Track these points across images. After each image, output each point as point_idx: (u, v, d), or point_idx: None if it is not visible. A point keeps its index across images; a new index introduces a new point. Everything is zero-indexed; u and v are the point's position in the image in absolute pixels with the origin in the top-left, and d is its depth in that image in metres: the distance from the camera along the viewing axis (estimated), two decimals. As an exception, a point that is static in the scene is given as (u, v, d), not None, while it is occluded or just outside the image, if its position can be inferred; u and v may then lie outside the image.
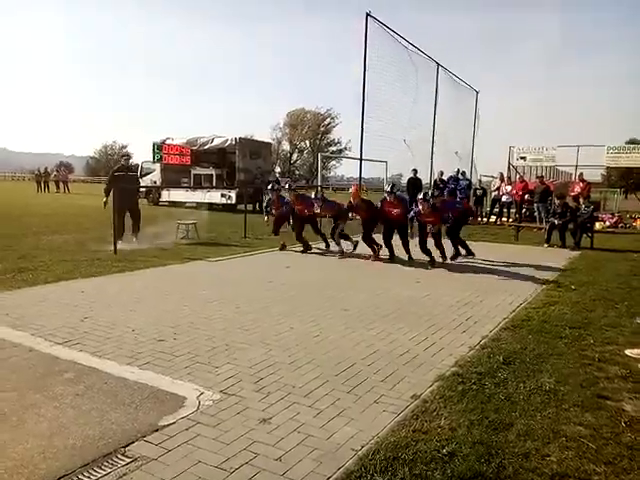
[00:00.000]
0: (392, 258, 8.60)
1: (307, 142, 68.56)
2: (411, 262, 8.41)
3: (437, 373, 3.61)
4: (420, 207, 8.13)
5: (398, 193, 9.02)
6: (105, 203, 9.41)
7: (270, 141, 34.67)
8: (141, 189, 17.00)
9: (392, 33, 14.11)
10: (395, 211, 8.43)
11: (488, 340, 4.39)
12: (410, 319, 5.01)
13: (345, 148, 65.33)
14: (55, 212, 16.39)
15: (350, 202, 9.11)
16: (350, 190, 10.11)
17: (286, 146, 68.46)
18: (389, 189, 8.61)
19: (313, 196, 9.71)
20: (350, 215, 9.50)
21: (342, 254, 9.17)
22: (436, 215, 8.22)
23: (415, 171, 16.95)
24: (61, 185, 33.68)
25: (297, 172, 66.31)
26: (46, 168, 36.52)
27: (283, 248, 9.68)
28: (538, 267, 8.13)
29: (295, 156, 70.12)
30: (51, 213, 15.87)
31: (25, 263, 7.17)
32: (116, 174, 9.98)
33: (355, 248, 9.43)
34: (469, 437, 2.71)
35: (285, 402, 3.12)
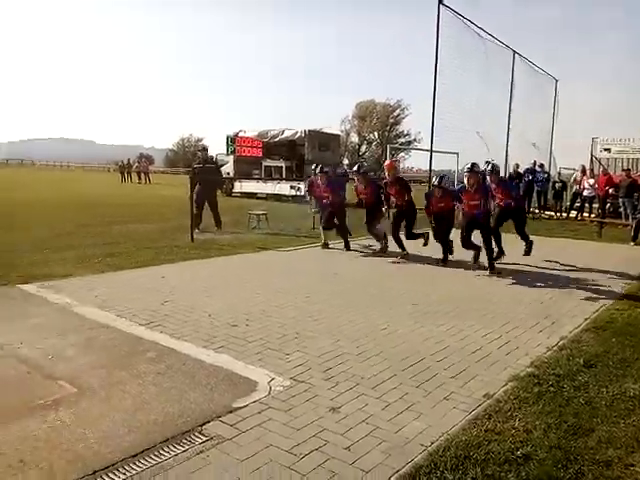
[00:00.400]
0: (449, 254, 7.66)
1: (376, 134, 67.97)
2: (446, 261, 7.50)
3: (511, 373, 3.49)
4: (466, 180, 6.74)
5: (448, 186, 7.78)
6: (192, 196, 10.00)
7: (339, 133, 34.67)
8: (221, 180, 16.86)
9: (466, 21, 13.66)
10: (440, 205, 7.32)
11: (567, 341, 4.18)
12: (482, 316, 4.87)
13: (415, 140, 64.15)
14: (138, 202, 17.36)
15: (384, 177, 8.21)
16: (385, 163, 9.14)
17: (354, 138, 68.25)
18: (436, 182, 7.51)
19: (355, 169, 8.87)
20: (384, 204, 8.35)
21: (384, 250, 8.25)
22: (481, 198, 6.76)
23: (488, 163, 16.35)
24: (142, 176, 35.53)
25: (365, 164, 65.96)
26: (129, 160, 38.73)
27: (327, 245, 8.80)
28: (623, 266, 7.61)
29: (363, 148, 69.76)
30: (134, 203, 16.83)
31: (112, 249, 7.68)
32: (196, 167, 10.63)
33: (383, 249, 8.33)
34: (545, 441, 2.61)
35: (354, 392, 3.14)
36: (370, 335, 4.22)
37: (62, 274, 5.96)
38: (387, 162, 8.78)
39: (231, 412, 2.83)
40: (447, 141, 14.16)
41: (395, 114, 66.20)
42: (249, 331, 4.21)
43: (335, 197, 8.63)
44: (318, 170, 8.92)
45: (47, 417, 2.69)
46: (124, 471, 2.26)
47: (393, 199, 7.99)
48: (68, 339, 3.86)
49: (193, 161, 12.20)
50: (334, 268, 7.01)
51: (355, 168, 8.97)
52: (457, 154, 17.12)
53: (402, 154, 61.79)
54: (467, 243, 7.13)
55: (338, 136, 26.58)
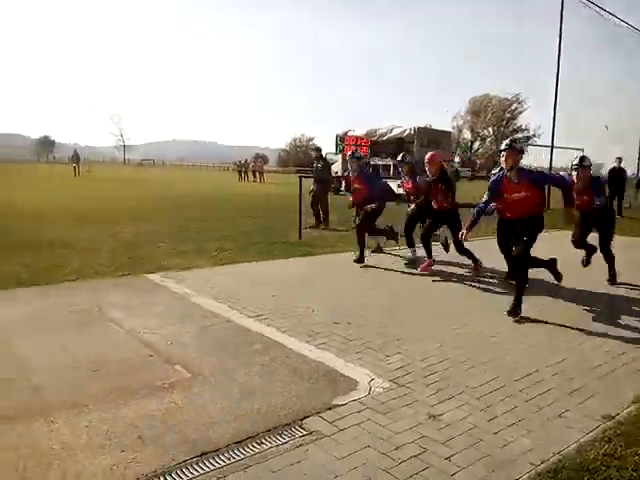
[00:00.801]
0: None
1: (490, 129, 64.99)
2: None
3: (638, 393, 3.13)
4: (503, 161, 4.92)
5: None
6: (310, 191, 10.53)
7: (450, 130, 33.60)
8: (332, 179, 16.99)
9: (592, 5, 12.49)
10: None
11: None
12: (607, 329, 4.42)
13: (534, 135, 60.39)
14: (252, 200, 18.30)
15: (426, 173, 6.68)
16: (427, 156, 6.75)
17: (467, 134, 65.84)
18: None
19: (399, 158, 7.61)
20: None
21: (414, 258, 7.16)
22: (532, 191, 4.89)
23: (619, 160, 14.80)
24: (257, 175, 37.40)
25: (478, 161, 63.23)
26: (246, 160, 41.09)
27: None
28: None
29: (476, 144, 67.00)
30: (249, 200, 17.77)
31: (227, 244, 8.17)
32: (315, 166, 11.22)
33: (414, 261, 7.13)
34: (678, 474, 2.30)
35: (456, 401, 3.02)
36: (477, 342, 4.03)
37: (182, 266, 6.46)
38: (428, 155, 6.75)
39: (330, 409, 2.87)
40: (570, 136, 13.11)
41: (512, 108, 62.72)
42: (350, 329, 4.23)
43: (368, 192, 7.18)
44: (349, 155, 7.58)
45: (164, 399, 2.93)
46: (229, 456, 2.39)
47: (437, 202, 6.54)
48: (185, 327, 4.17)
49: (300, 159, 13.04)
50: (442, 269, 6.81)
51: (399, 157, 7.61)
52: (582, 150, 15.77)
53: (519, 150, 58.25)
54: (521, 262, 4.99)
55: (449, 133, 25.74)
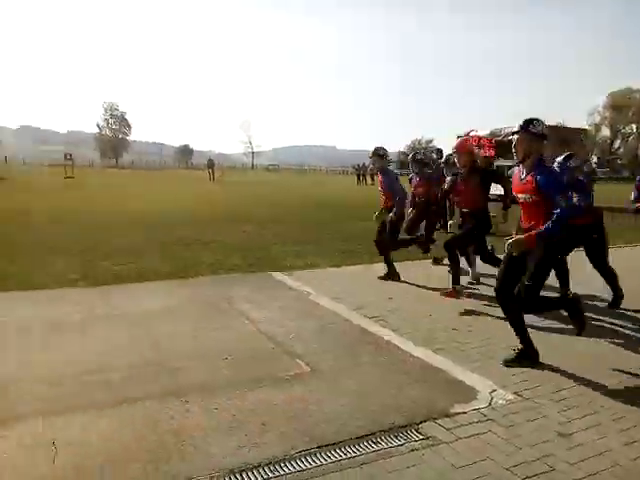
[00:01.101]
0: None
1: (633, 126, 58.39)
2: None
3: None
4: (514, 148, 3.77)
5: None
6: None
7: (585, 127, 30.83)
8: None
9: None
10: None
11: None
12: None
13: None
14: (369, 202, 18.40)
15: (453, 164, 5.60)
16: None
17: (606, 132, 59.87)
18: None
19: (442, 161, 6.42)
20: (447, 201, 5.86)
21: (456, 284, 5.43)
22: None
23: None
24: (375, 178, 37.56)
25: (619, 161, 57.18)
26: (364, 163, 41.41)
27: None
28: None
29: (617, 143, 60.58)
30: (366, 203, 17.89)
31: (346, 245, 8.38)
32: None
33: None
34: None
35: (589, 420, 2.78)
36: (614, 362, 3.66)
37: (305, 265, 6.73)
38: (457, 141, 5.55)
39: (448, 416, 2.80)
40: None
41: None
42: (470, 336, 4.09)
43: (389, 199, 6.06)
44: (371, 154, 6.23)
45: (285, 390, 3.08)
46: (345, 451, 2.44)
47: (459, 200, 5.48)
48: (305, 323, 4.33)
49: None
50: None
51: (410, 156, 6.64)
52: None
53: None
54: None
55: (583, 130, 23.64)
